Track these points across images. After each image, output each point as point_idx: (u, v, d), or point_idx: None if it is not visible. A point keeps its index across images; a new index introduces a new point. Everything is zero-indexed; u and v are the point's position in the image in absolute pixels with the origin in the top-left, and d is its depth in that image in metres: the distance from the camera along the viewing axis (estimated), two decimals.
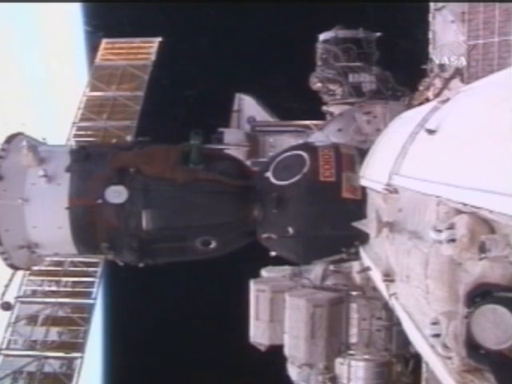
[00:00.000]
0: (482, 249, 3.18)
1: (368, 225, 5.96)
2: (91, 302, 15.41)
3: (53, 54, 26.38)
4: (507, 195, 2.91)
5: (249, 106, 15.10)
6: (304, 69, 13.12)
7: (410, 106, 9.68)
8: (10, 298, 9.52)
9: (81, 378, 14.37)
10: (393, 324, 7.85)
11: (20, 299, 15.10)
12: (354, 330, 8.05)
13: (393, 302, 5.30)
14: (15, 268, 8.26)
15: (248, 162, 13.17)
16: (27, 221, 7.75)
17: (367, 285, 8.01)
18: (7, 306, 9.17)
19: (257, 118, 15.02)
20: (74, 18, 26.43)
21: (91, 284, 15.58)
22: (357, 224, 6.39)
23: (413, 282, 4.41)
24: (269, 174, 8.17)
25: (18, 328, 14.87)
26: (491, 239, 3.19)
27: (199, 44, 22.46)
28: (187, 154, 7.99)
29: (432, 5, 8.79)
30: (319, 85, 12.51)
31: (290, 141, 13.40)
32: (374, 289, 7.52)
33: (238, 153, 13.54)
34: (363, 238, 7.03)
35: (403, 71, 12.91)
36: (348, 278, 8.49)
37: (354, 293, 8.20)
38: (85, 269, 15.65)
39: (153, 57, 18.05)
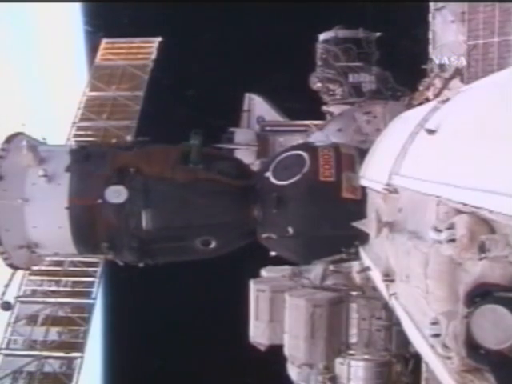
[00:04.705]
0: (482, 249, 3.18)
1: (368, 225, 5.95)
2: (91, 301, 15.42)
3: (53, 54, 26.39)
4: (507, 195, 2.90)
5: (258, 106, 15.10)
6: (304, 69, 13.13)
7: (409, 106, 9.67)
8: (9, 297, 9.51)
9: (81, 378, 14.40)
10: (393, 324, 7.84)
11: (20, 299, 15.10)
12: (353, 330, 8.04)
13: (393, 302, 5.29)
14: (15, 268, 8.25)
15: (257, 162, 13.16)
16: (27, 221, 7.74)
17: (367, 285, 8.00)
18: (7, 306, 9.17)
19: (266, 118, 15.01)
20: (74, 17, 26.49)
21: (91, 284, 15.59)
22: (357, 224, 6.38)
23: (413, 282, 4.41)
24: (269, 174, 8.16)
25: (17, 328, 14.88)
26: (491, 239, 3.18)
27: (199, 44, 22.47)
28: (187, 154, 7.99)
29: (432, 5, 8.78)
30: (319, 85, 12.53)
31: (299, 140, 13.38)
32: (374, 289, 7.51)
33: (248, 153, 13.54)
34: (363, 238, 7.01)
35: (403, 71, 12.92)
36: (348, 278, 8.49)
37: (354, 293, 8.19)
38: (85, 269, 15.66)
39: (153, 57, 18.06)
